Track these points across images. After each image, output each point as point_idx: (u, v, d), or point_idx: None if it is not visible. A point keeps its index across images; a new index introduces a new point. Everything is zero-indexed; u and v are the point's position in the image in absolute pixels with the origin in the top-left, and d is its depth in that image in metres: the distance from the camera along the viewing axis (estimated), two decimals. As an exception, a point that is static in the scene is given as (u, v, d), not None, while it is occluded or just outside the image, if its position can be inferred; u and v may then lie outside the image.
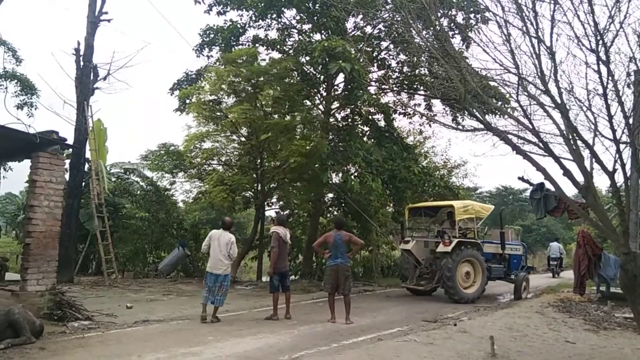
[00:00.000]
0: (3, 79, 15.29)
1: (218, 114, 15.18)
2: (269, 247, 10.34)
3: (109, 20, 14.86)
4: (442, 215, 14.44)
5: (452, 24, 13.12)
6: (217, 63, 16.83)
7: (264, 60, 16.05)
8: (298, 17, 16.73)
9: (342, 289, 9.20)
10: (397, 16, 10.80)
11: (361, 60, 13.67)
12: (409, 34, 7.93)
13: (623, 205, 5.96)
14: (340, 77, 16.13)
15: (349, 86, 14.32)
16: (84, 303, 8.80)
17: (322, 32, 15.84)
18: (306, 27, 16.90)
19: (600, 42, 5.63)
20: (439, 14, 7.82)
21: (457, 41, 13.45)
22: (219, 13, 16.45)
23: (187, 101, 16.34)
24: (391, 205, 18.50)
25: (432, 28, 7.22)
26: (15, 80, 15.39)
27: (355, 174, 15.11)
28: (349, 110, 17.22)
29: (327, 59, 13.21)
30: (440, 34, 6.93)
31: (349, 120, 17.42)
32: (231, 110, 14.38)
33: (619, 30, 5.65)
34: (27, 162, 8.73)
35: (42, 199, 8.02)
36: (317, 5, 15.38)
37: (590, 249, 12.39)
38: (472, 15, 13.55)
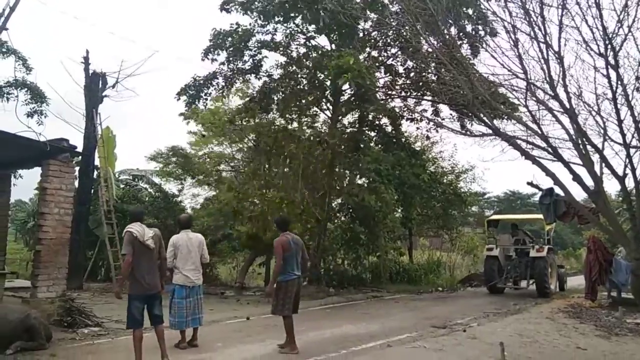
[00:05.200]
0: (14, 88, 15.42)
1: (226, 119, 15.24)
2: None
3: None
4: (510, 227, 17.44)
5: (460, 33, 13.07)
6: (222, 66, 16.50)
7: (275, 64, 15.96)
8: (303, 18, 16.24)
9: (297, 307, 7.27)
10: (404, 21, 10.80)
11: (369, 67, 13.57)
12: (417, 39, 7.95)
13: (634, 210, 5.92)
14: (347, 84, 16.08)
15: (358, 94, 14.26)
16: (93, 309, 8.80)
17: (330, 35, 15.61)
18: (311, 27, 16.37)
19: (609, 46, 5.61)
20: (448, 23, 7.82)
21: (465, 48, 13.39)
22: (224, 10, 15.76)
23: (193, 106, 16.24)
24: (399, 210, 18.43)
25: (440, 35, 7.23)
26: (26, 89, 15.51)
27: (365, 185, 15.13)
28: (357, 115, 17.17)
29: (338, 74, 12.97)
30: (449, 40, 6.95)
31: (357, 126, 17.38)
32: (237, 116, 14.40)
33: (628, 34, 5.65)
34: (35, 169, 8.80)
35: (52, 206, 8.08)
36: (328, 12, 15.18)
37: (601, 255, 12.32)
38: (480, 27, 13.55)
